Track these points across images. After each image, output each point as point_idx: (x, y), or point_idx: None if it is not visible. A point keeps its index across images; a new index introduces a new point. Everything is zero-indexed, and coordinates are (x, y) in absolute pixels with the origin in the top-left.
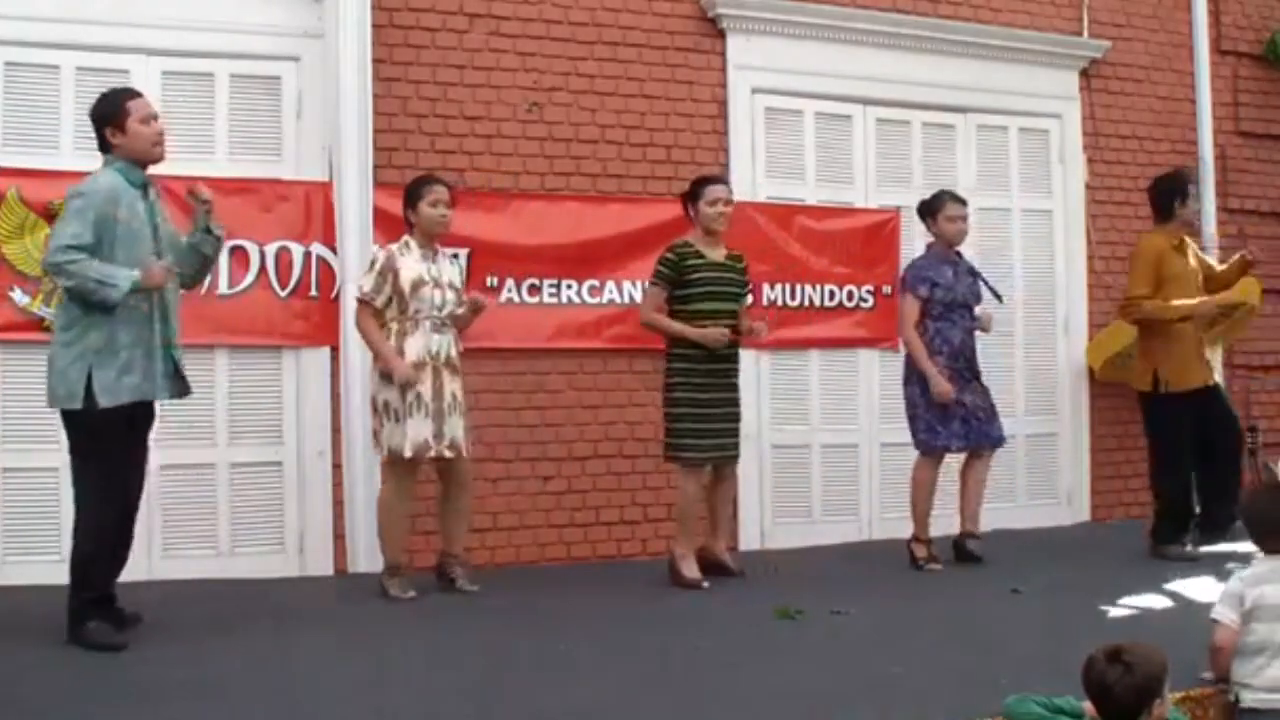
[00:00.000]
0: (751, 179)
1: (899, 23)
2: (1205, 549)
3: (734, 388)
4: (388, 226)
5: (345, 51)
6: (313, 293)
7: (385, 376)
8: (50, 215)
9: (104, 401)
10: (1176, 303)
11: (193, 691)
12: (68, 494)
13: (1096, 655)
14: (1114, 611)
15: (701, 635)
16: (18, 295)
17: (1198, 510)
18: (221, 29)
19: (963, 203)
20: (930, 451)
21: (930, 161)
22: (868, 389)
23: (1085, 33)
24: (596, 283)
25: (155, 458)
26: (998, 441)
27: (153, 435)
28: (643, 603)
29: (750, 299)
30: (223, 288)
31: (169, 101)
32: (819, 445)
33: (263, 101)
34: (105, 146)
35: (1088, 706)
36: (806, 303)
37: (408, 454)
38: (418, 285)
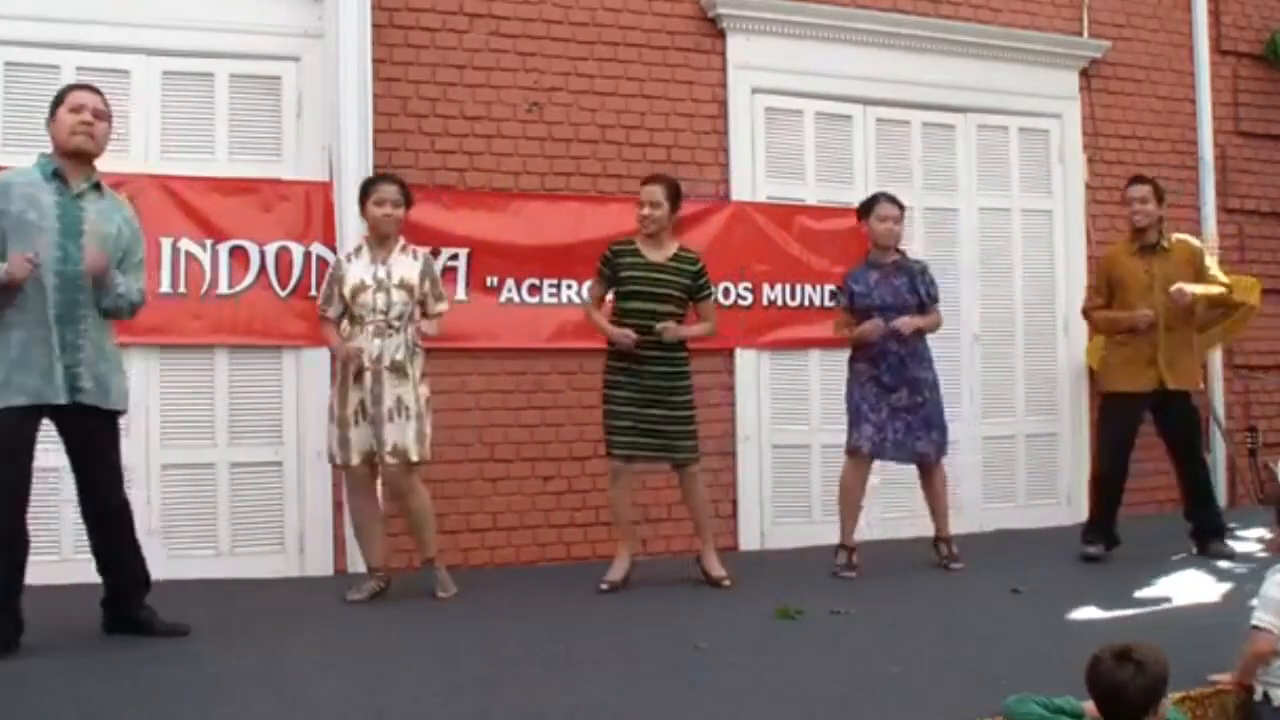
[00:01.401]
0: (751, 179)
1: (899, 23)
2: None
3: (659, 390)
4: None
5: (345, 51)
6: (313, 293)
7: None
8: None
9: None
10: (1111, 314)
11: (193, 691)
12: (66, 494)
13: (1103, 655)
14: (1114, 611)
15: (701, 635)
16: None
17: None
18: (221, 29)
19: (898, 205)
20: (847, 454)
21: (930, 161)
22: None
23: (1085, 33)
24: None
25: (155, 457)
26: (922, 456)
27: (153, 435)
28: (642, 603)
29: (709, 298)
30: (223, 288)
31: (169, 101)
32: (819, 445)
33: (263, 101)
34: None
35: (1088, 706)
36: (806, 303)
37: (337, 460)
38: (357, 291)
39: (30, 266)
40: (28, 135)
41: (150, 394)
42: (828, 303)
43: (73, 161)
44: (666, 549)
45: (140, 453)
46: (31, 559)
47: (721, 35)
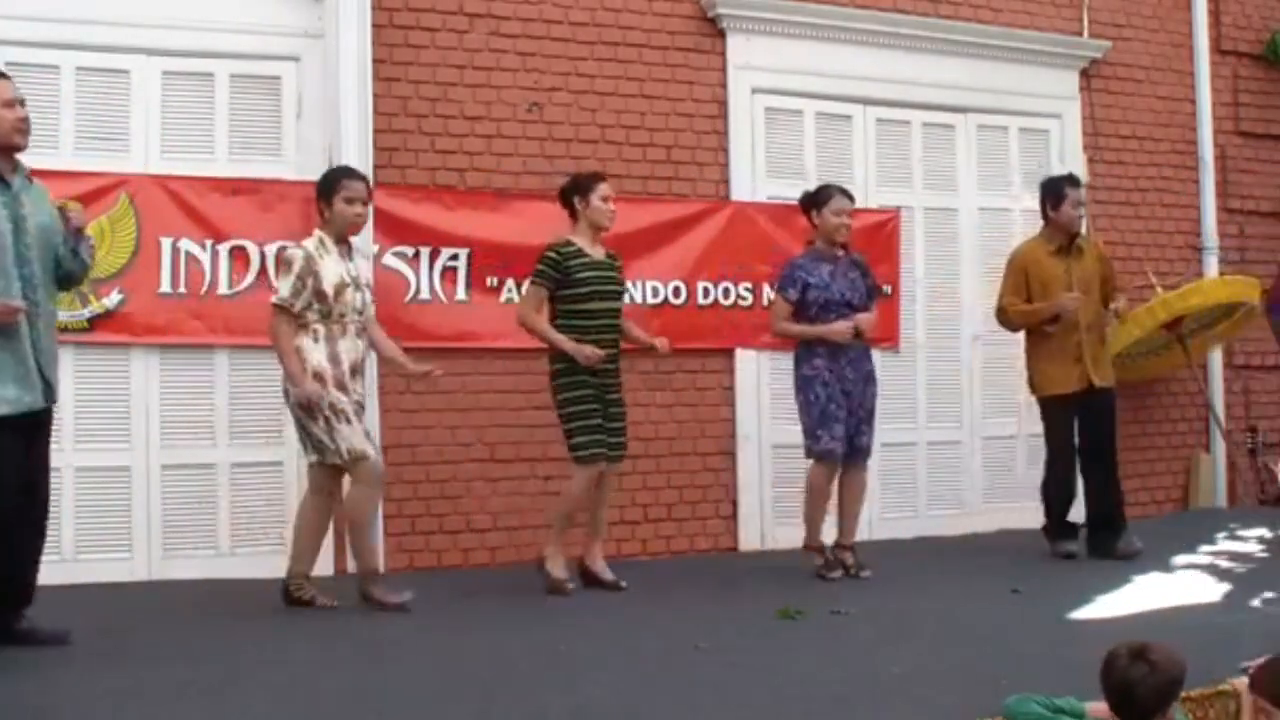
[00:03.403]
0: (751, 179)
1: (899, 23)
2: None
3: (609, 389)
4: (388, 226)
5: (345, 51)
6: None
7: (318, 378)
8: None
9: None
10: (1029, 308)
11: (193, 691)
12: (66, 494)
13: (1119, 652)
14: (1113, 612)
15: (701, 635)
16: None
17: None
18: (221, 29)
19: (850, 198)
20: (820, 458)
21: (930, 161)
22: None
23: (1085, 33)
24: None
25: (156, 458)
26: (868, 453)
27: (153, 435)
28: (643, 603)
29: (626, 299)
30: (223, 288)
31: (169, 101)
32: None
33: (263, 101)
34: None
35: (1089, 707)
36: None
37: (371, 453)
38: (341, 288)
39: (21, 310)
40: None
41: (150, 394)
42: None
43: (6, 158)
44: (667, 549)
45: (140, 453)
46: None
47: (721, 35)
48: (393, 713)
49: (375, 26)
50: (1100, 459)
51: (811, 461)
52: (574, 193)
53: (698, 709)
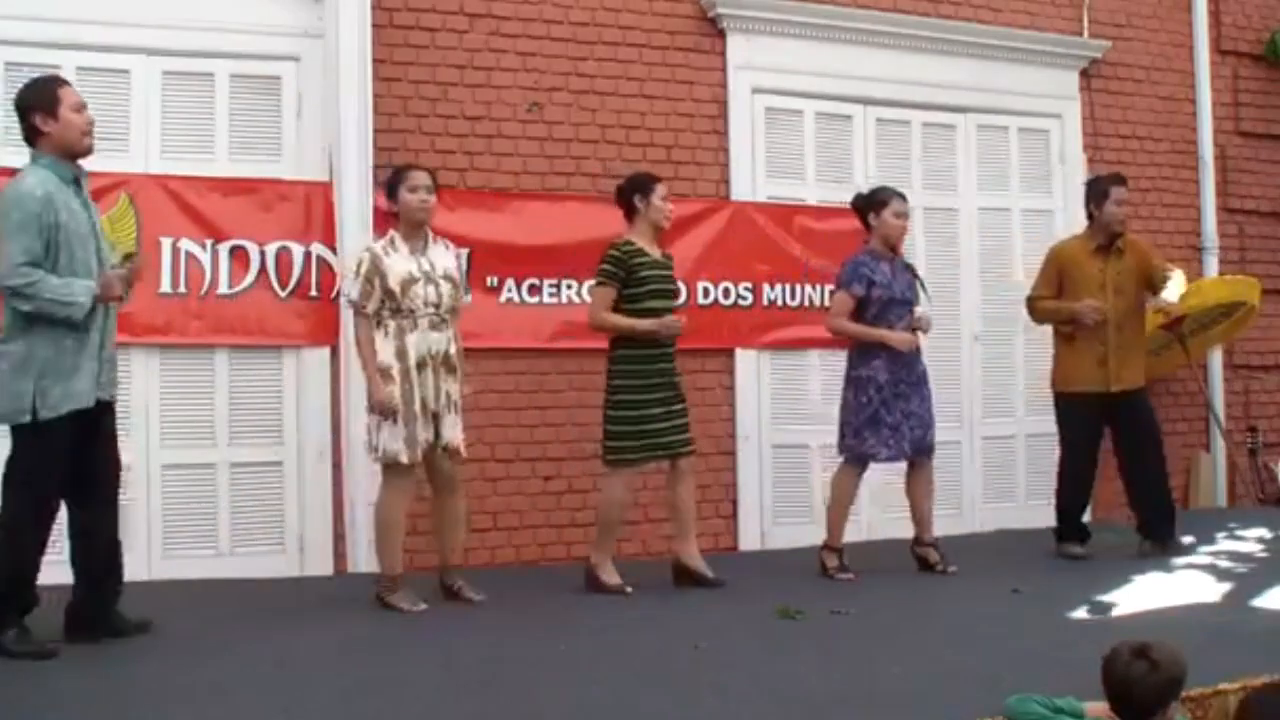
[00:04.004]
0: (751, 179)
1: (899, 23)
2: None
3: (678, 385)
4: (387, 227)
5: (345, 51)
6: (313, 293)
7: (384, 375)
8: None
9: (47, 414)
10: (1054, 304)
11: (193, 691)
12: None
13: (1120, 650)
14: (1114, 612)
15: (701, 635)
16: None
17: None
18: (221, 29)
19: (906, 200)
20: (859, 460)
21: (930, 161)
22: None
23: (1085, 33)
24: None
25: (155, 457)
26: (930, 450)
27: (153, 435)
28: (642, 603)
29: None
30: (223, 288)
31: (169, 101)
32: (819, 445)
33: (263, 101)
34: (32, 137)
35: (1089, 707)
36: (806, 303)
37: (404, 460)
38: (408, 284)
39: (129, 282)
40: None
41: (150, 394)
42: (828, 303)
43: (74, 162)
44: (667, 549)
45: (140, 453)
46: None
47: (721, 35)
48: (393, 713)
49: (375, 26)
50: (1139, 459)
51: (841, 461)
52: (635, 192)
53: (698, 709)
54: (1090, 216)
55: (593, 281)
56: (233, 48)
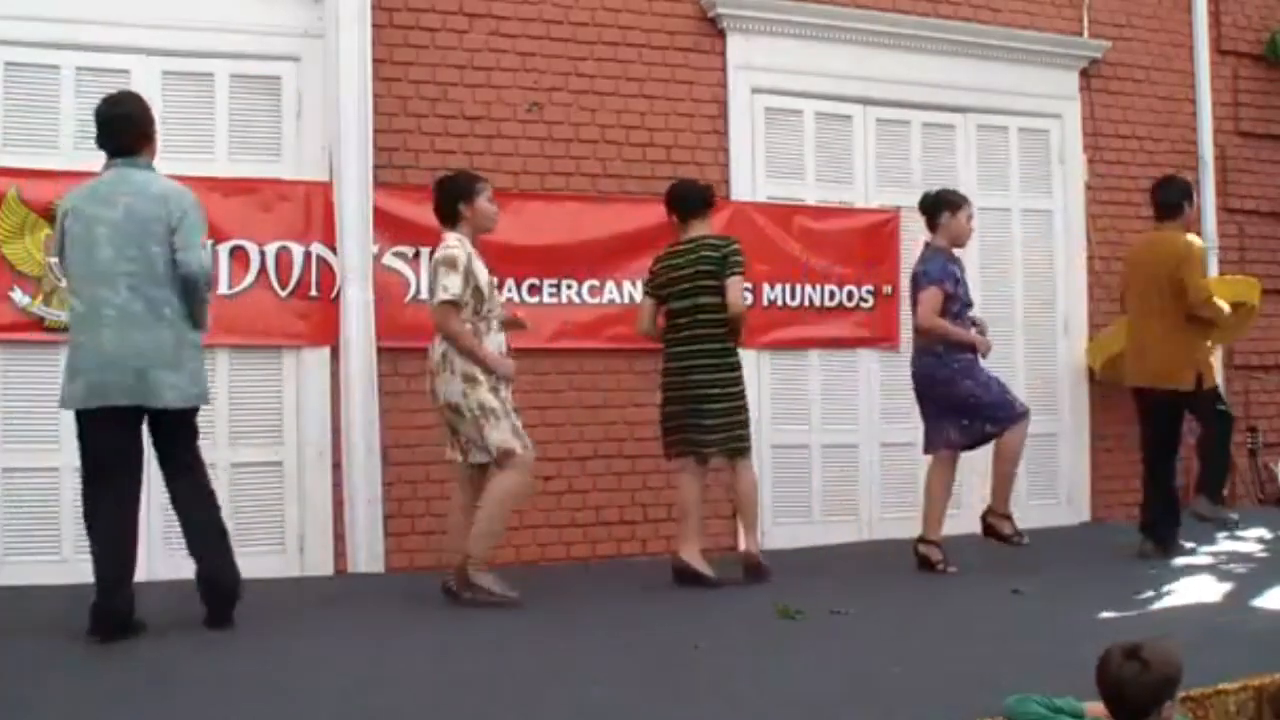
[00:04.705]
0: (751, 179)
1: (899, 23)
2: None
3: None
4: (387, 226)
5: (345, 51)
6: (313, 293)
7: (469, 380)
8: (50, 216)
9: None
10: (1222, 303)
11: (193, 691)
12: (68, 494)
13: (1113, 650)
14: (1114, 612)
15: (701, 635)
16: (18, 295)
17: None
18: (221, 29)
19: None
20: (1022, 417)
21: (930, 161)
22: (867, 389)
23: (1085, 33)
24: (596, 283)
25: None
26: (1010, 419)
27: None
28: (643, 603)
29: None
30: (223, 288)
31: (169, 101)
32: (819, 445)
33: (263, 101)
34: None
35: (1089, 707)
36: (806, 303)
37: (518, 449)
38: (493, 287)
39: None
40: (28, 135)
41: None
42: (828, 303)
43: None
44: (667, 549)
45: None
46: (31, 559)
47: (721, 35)
48: (393, 713)
49: (375, 26)
50: (1149, 459)
51: (929, 458)
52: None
53: (698, 709)
54: (1182, 213)
55: (735, 274)
56: (232, 48)
